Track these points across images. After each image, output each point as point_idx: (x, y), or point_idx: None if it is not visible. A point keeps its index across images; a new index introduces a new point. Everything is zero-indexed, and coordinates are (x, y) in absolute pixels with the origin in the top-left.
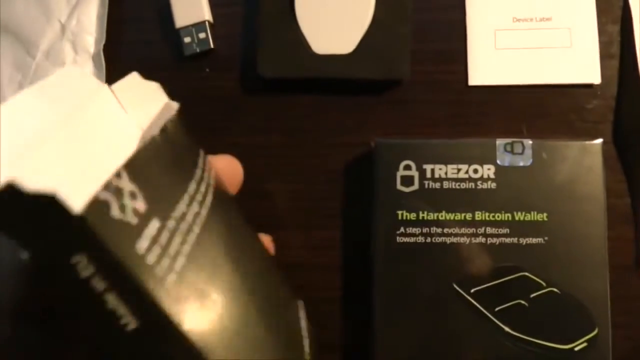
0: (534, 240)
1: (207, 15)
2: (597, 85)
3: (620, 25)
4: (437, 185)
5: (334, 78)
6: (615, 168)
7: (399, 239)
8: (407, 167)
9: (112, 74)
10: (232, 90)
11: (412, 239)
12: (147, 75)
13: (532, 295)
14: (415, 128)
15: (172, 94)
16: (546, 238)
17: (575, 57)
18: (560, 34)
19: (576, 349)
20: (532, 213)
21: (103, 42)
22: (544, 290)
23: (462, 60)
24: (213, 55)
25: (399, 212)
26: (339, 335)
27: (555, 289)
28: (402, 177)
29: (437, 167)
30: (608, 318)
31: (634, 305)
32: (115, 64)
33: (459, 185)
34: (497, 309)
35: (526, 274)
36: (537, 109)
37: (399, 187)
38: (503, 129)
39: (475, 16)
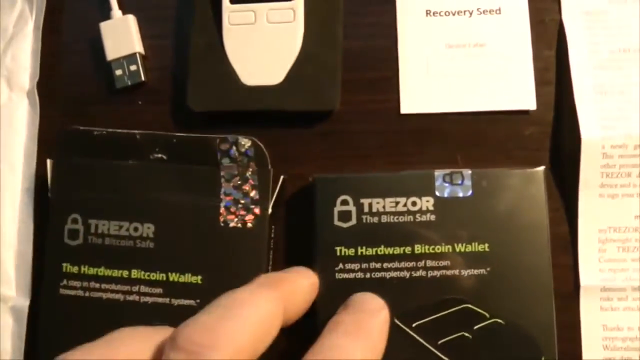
0: (476, 272)
1: (137, 47)
2: (533, 111)
3: (556, 51)
4: (375, 219)
5: (264, 110)
6: (553, 195)
7: (337, 275)
8: (345, 202)
9: (46, 110)
10: (163, 124)
11: (352, 275)
12: (80, 108)
13: (475, 327)
14: (349, 159)
15: (105, 127)
16: (488, 269)
17: (510, 84)
18: (494, 60)
19: None
20: (473, 244)
21: (37, 77)
22: (488, 322)
23: (394, 89)
24: (145, 88)
25: (338, 248)
26: None
27: (499, 320)
28: (340, 212)
29: (374, 201)
30: (554, 346)
31: (578, 332)
32: (48, 98)
33: (397, 219)
34: (440, 342)
35: (469, 305)
36: (473, 136)
37: (337, 222)
38: (438, 158)
39: (406, 43)
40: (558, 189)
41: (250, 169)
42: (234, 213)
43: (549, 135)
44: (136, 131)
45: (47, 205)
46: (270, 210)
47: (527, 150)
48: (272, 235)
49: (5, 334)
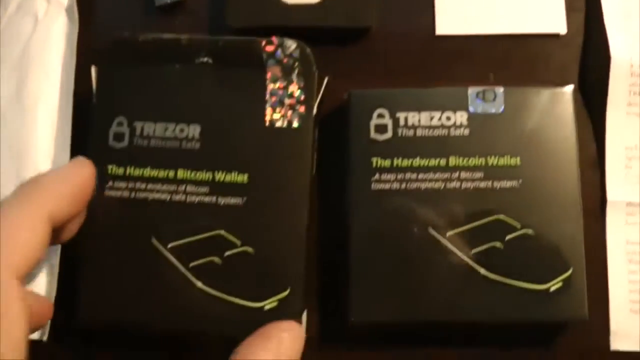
0: (508, 184)
1: None
2: (562, 35)
3: None
4: (411, 132)
5: (302, 27)
6: (581, 114)
7: (374, 186)
8: (381, 116)
9: (83, 26)
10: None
11: (387, 185)
12: (120, 25)
13: (507, 238)
14: (383, 77)
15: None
16: (520, 181)
17: (542, 7)
18: None
19: (551, 289)
20: (505, 157)
21: None
22: (518, 232)
23: (429, 9)
24: (183, 7)
25: (374, 159)
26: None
27: (529, 231)
28: (376, 125)
29: (410, 114)
30: (582, 258)
31: (604, 246)
32: (86, 16)
33: (432, 133)
34: (473, 251)
35: (501, 216)
36: (504, 58)
37: (373, 135)
38: (471, 77)
39: None
40: (586, 108)
41: (296, 70)
42: (279, 112)
43: (578, 57)
44: (182, 36)
45: (90, 113)
46: (315, 110)
47: (557, 71)
48: (316, 136)
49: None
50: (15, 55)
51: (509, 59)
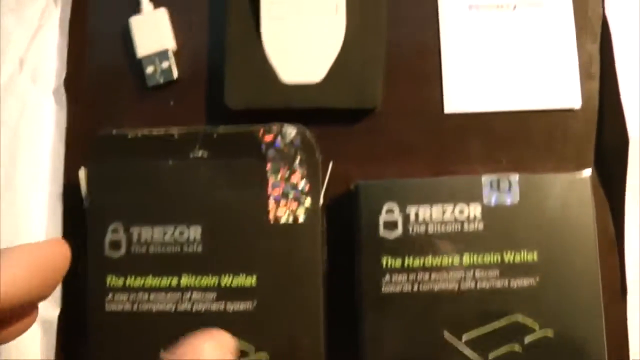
0: (526, 282)
1: (170, 42)
2: (578, 109)
3: (600, 44)
4: (422, 229)
5: (304, 108)
6: (598, 194)
7: (384, 289)
8: (390, 211)
9: (73, 110)
10: (198, 123)
11: (399, 288)
12: (109, 108)
13: (526, 341)
14: (390, 159)
15: (136, 128)
16: (537, 278)
17: (554, 81)
18: (538, 56)
19: None
20: (522, 252)
21: (64, 74)
22: (538, 334)
23: (437, 85)
24: (178, 85)
25: (384, 259)
26: None
27: (549, 332)
28: (385, 222)
29: (421, 208)
30: (604, 354)
31: (625, 332)
32: (75, 98)
33: (445, 228)
34: (491, 356)
35: (519, 317)
36: (517, 135)
37: (382, 233)
38: (482, 157)
39: (449, 38)
40: (603, 188)
41: (298, 158)
42: (284, 207)
43: (594, 132)
44: (173, 129)
45: (80, 215)
46: (322, 201)
47: (572, 148)
48: (325, 226)
49: (34, 345)
50: (6, 139)
51: (521, 136)
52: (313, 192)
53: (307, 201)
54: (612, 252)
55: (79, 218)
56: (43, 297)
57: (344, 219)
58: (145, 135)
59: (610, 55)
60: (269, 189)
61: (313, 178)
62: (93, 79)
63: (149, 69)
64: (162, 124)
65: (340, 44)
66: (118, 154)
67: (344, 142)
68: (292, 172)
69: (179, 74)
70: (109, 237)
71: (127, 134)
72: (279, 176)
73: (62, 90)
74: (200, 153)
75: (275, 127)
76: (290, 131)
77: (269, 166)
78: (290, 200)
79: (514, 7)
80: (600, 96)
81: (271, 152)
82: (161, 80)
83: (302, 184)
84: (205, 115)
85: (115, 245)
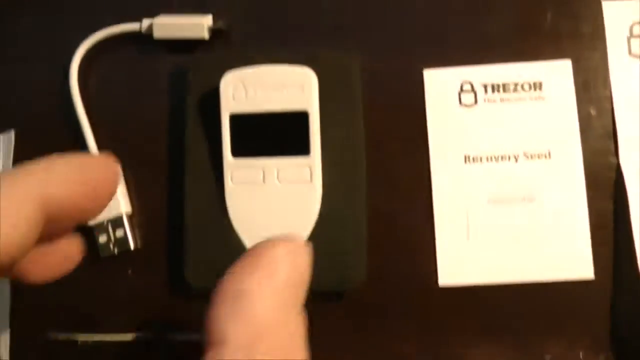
0: None
1: (124, 206)
2: (590, 280)
3: (613, 202)
4: None
5: None
6: None
7: None
8: None
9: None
10: (158, 297)
11: None
12: (61, 281)
13: None
14: (380, 343)
15: (90, 302)
16: None
17: (564, 248)
18: (545, 219)
19: None
20: None
21: None
22: None
23: (429, 254)
24: (135, 254)
25: None
26: None
27: None
28: None
29: None
30: None
31: None
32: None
33: None
34: None
35: None
36: (520, 310)
37: None
38: (484, 337)
39: (442, 197)
40: None
41: None
42: None
43: (608, 306)
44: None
45: None
46: None
47: (584, 325)
48: None
49: None
50: None
51: (525, 310)
52: None
53: None
54: None
55: None
56: (91, 216)
57: None
58: (97, 341)
59: (626, 217)
60: None
61: None
62: None
63: (102, 239)
64: (119, 297)
65: (316, 214)
66: None
67: (325, 324)
68: None
69: (135, 244)
70: None
71: (78, 338)
72: None
73: None
74: None
75: None
76: None
77: None
78: None
79: (517, 159)
80: (614, 264)
81: None
82: (116, 251)
83: None
84: (165, 288)
85: None
